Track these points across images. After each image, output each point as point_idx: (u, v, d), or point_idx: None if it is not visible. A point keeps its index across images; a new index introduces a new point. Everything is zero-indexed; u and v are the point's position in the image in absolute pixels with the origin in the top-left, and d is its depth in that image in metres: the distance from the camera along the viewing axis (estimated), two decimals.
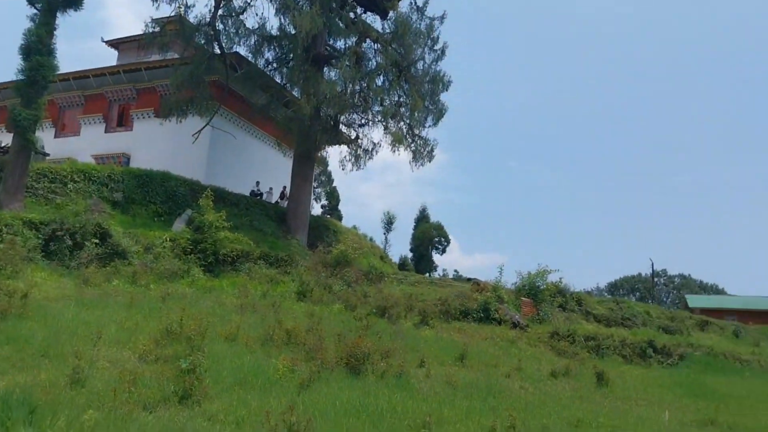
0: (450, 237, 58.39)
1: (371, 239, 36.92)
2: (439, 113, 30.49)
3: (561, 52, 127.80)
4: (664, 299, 73.17)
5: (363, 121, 30.25)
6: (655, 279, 71.47)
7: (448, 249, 59.48)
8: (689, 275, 78.79)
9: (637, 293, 70.83)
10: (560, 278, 25.30)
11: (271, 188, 34.34)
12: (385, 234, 54.05)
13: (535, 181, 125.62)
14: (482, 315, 21.05)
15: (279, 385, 8.18)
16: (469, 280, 31.05)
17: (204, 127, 27.91)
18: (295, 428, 5.76)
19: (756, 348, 20.27)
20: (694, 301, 52.83)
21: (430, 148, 30.93)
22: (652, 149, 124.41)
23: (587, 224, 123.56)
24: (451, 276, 50.73)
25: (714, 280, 76.75)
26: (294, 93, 29.56)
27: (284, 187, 33.40)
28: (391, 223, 53.94)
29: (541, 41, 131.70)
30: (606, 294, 64.44)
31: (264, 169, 34.58)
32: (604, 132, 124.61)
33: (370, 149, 30.75)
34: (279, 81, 30.25)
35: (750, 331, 26.14)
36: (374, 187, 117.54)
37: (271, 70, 30.10)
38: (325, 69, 28.65)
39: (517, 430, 5.92)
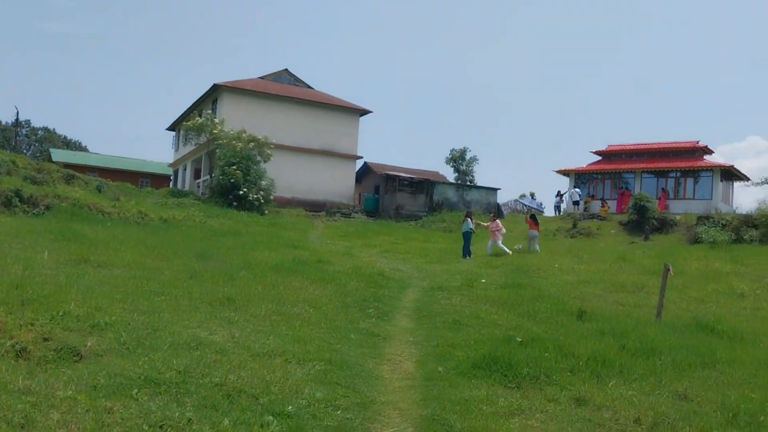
0: None
1: None
2: None
3: None
4: (26, 150, 70.46)
5: None
6: (18, 129, 67.84)
7: None
8: (54, 129, 77.93)
9: None
10: None
11: None
12: None
13: None
14: None
15: None
16: None
17: None
18: None
19: (117, 202, 22.74)
20: (58, 155, 53.03)
21: None
22: None
23: None
24: None
25: (78, 137, 78.42)
26: None
27: None
28: None
29: None
30: None
31: None
32: None
33: None
34: None
35: (111, 187, 28.75)
36: None
37: None
38: None
39: None
